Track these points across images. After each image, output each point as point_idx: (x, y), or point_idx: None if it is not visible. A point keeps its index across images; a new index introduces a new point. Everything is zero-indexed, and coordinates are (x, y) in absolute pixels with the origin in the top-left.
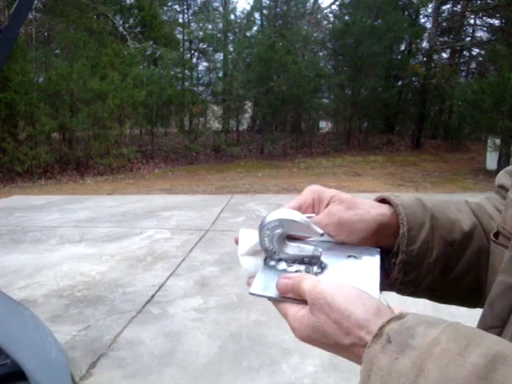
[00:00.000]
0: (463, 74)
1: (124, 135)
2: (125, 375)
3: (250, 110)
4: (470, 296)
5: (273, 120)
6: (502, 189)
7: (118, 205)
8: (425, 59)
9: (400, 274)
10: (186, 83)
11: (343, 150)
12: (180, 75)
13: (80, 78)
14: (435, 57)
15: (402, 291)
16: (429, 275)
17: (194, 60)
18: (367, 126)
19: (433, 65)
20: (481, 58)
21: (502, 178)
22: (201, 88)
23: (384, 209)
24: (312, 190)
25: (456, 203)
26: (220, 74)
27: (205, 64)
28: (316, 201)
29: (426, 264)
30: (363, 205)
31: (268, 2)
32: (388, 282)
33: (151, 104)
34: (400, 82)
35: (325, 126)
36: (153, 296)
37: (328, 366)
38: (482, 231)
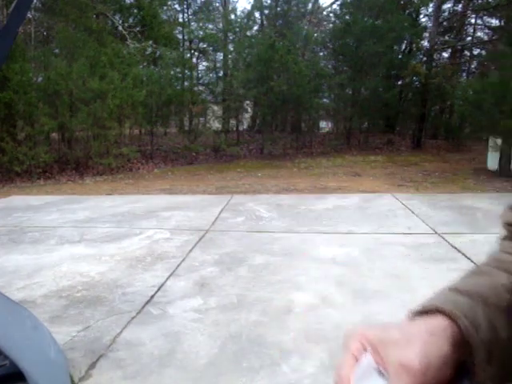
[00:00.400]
0: (464, 73)
1: (123, 135)
2: (124, 376)
3: (250, 110)
4: None
5: (273, 120)
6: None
7: (117, 205)
8: (425, 59)
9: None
10: (186, 83)
11: (343, 150)
12: (180, 75)
13: (79, 78)
14: (436, 56)
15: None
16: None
17: (194, 60)
18: (367, 125)
19: (434, 64)
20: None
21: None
22: (201, 88)
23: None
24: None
25: (472, 271)
26: (220, 74)
27: (205, 64)
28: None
29: (504, 344)
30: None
31: (268, 1)
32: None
33: (151, 104)
34: (400, 82)
35: (325, 125)
36: (152, 296)
37: (328, 367)
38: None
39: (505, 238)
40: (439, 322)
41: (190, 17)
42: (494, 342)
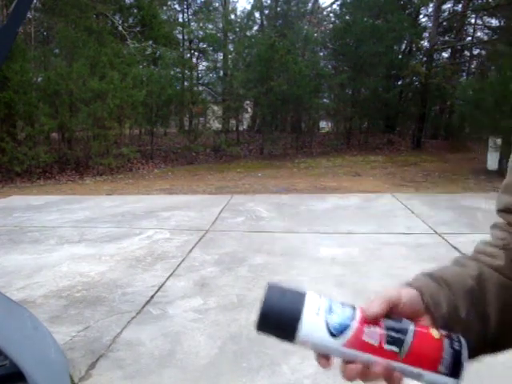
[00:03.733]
0: (464, 73)
1: (123, 135)
2: (124, 376)
3: (250, 110)
4: None
5: (273, 120)
6: (505, 212)
7: (117, 205)
8: (425, 59)
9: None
10: (186, 83)
11: (343, 150)
12: (180, 75)
13: (79, 78)
14: (436, 56)
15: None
16: (472, 329)
17: (194, 60)
18: (367, 125)
19: (434, 64)
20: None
21: (503, 200)
22: (201, 88)
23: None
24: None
25: (454, 260)
26: (220, 74)
27: (205, 64)
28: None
29: (463, 321)
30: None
31: (268, 1)
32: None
33: (151, 104)
34: (400, 82)
35: (325, 125)
36: (152, 296)
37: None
38: (490, 269)
39: (493, 227)
40: (414, 292)
41: (190, 17)
42: (455, 320)
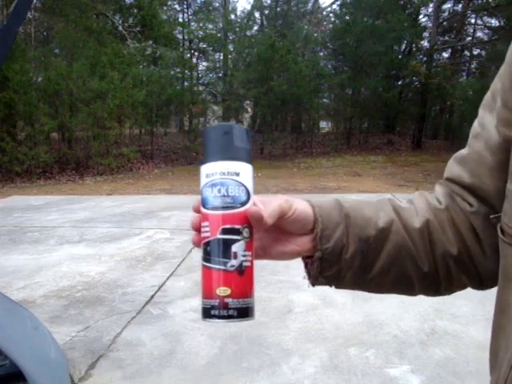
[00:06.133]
0: (464, 73)
1: (123, 135)
2: (124, 376)
3: (250, 110)
4: (400, 287)
5: (273, 120)
6: (451, 182)
7: (117, 205)
8: (425, 59)
9: (318, 269)
10: (186, 83)
11: (343, 150)
12: (180, 75)
13: (79, 78)
14: (436, 56)
15: (327, 284)
16: (349, 270)
17: (194, 60)
18: (368, 125)
19: (434, 64)
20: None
21: (452, 169)
22: (201, 88)
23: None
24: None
25: (377, 203)
26: (220, 74)
27: (205, 64)
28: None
29: (343, 260)
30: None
31: (268, 1)
32: (312, 278)
33: (151, 104)
34: (401, 82)
35: (325, 125)
36: (152, 296)
37: (328, 367)
38: (401, 227)
39: (440, 184)
40: (311, 214)
41: (190, 17)
42: (336, 256)
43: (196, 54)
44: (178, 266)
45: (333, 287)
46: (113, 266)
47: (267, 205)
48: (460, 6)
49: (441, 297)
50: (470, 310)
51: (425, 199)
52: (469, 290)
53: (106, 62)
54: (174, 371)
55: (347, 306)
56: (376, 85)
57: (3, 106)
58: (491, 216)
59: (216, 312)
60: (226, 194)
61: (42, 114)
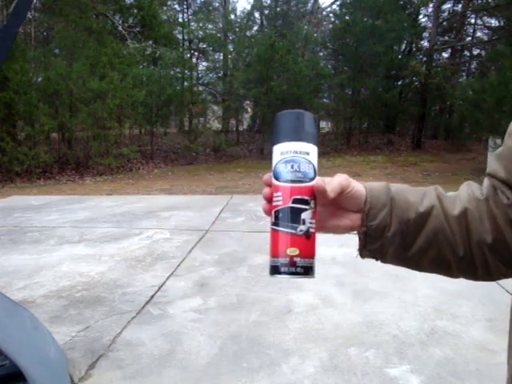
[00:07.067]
0: (464, 73)
1: (123, 135)
2: (124, 376)
3: (249, 110)
4: (439, 267)
5: (273, 120)
6: (491, 176)
7: (117, 205)
8: (425, 59)
9: (362, 243)
10: (186, 83)
11: (343, 150)
12: (180, 75)
13: (79, 78)
14: (436, 56)
15: (372, 257)
16: (390, 246)
17: (194, 60)
18: (367, 125)
19: (434, 64)
20: (481, 58)
21: (491, 164)
22: (201, 88)
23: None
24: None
25: (423, 190)
26: (220, 74)
27: (205, 64)
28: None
29: (385, 237)
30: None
31: (268, 1)
32: (359, 249)
33: (151, 104)
34: (400, 82)
35: (325, 125)
36: (152, 296)
37: (328, 367)
38: (441, 213)
39: (486, 177)
40: (363, 194)
41: (190, 17)
42: (379, 233)
43: (196, 53)
44: (178, 266)
45: (378, 261)
46: (113, 266)
47: (330, 182)
48: (460, 6)
49: (441, 296)
50: (469, 310)
51: (469, 189)
52: (469, 290)
53: (105, 62)
54: (174, 371)
55: (347, 306)
56: (376, 85)
57: (3, 106)
58: None
59: (285, 269)
60: (298, 169)
61: (41, 114)
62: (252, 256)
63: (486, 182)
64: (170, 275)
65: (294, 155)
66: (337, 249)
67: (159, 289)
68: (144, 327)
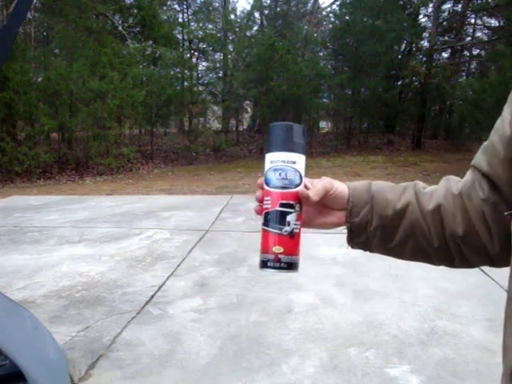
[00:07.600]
0: (464, 73)
1: (123, 135)
2: (124, 376)
3: (249, 110)
4: (419, 257)
5: (273, 120)
6: (474, 168)
7: (117, 205)
8: (425, 59)
9: (349, 237)
10: (186, 83)
11: (343, 150)
12: (180, 75)
13: (79, 78)
14: (436, 56)
15: (360, 248)
16: (374, 239)
17: (194, 60)
18: (367, 125)
19: (434, 64)
20: (481, 58)
21: (477, 156)
22: (201, 88)
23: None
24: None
25: (402, 187)
26: (220, 74)
27: (205, 64)
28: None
29: (368, 231)
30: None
31: (268, 1)
32: (347, 242)
33: (151, 104)
34: (400, 82)
35: (325, 125)
36: (152, 296)
37: (328, 367)
38: (417, 209)
39: (470, 168)
40: (346, 195)
41: (190, 17)
42: (362, 228)
43: (196, 54)
44: (178, 266)
45: (367, 252)
46: (113, 266)
47: (315, 185)
48: (460, 6)
49: (441, 296)
50: (469, 310)
51: (447, 184)
52: (469, 290)
53: (105, 62)
54: (174, 371)
55: (347, 306)
56: (376, 85)
57: (3, 106)
58: (505, 213)
59: (271, 264)
60: (285, 177)
61: (41, 114)
62: (252, 256)
63: (469, 174)
64: (170, 275)
65: (282, 164)
66: (337, 249)
67: (159, 289)
68: (144, 327)
